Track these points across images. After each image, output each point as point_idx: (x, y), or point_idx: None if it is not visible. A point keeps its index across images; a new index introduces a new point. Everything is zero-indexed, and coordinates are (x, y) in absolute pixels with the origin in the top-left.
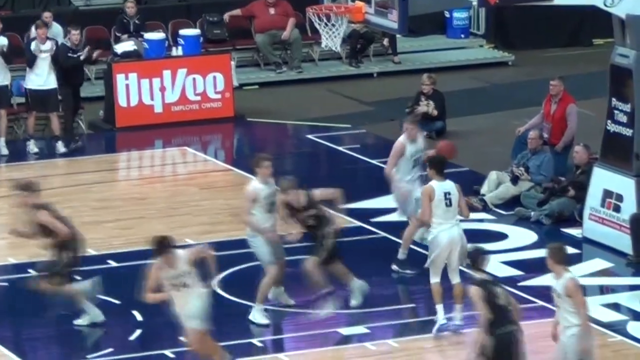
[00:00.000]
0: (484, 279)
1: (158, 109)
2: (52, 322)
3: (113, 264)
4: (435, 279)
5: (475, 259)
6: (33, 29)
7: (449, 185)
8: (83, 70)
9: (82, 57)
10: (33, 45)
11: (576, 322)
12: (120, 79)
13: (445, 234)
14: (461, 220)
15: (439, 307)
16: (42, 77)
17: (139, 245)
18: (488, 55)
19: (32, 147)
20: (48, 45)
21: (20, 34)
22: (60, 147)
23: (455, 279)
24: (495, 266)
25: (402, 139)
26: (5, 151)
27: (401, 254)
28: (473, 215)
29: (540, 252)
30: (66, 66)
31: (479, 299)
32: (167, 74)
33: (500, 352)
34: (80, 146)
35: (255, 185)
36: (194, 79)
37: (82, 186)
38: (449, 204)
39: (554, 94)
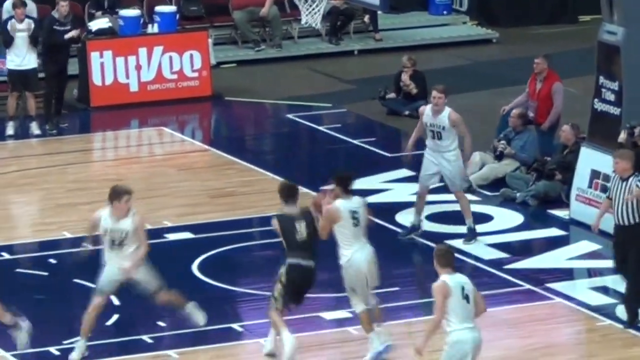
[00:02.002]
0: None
1: (134, 87)
2: (26, 307)
3: (89, 247)
4: (360, 307)
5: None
6: (5, 7)
7: (356, 203)
8: (69, 46)
9: (66, 37)
10: (9, 25)
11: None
12: (94, 57)
13: (359, 254)
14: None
15: (373, 337)
16: (20, 57)
17: None
18: (471, 32)
19: (10, 128)
20: (25, 24)
21: None
22: (35, 128)
23: (372, 301)
24: (481, 249)
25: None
26: None
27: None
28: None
29: (527, 234)
30: (50, 42)
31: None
32: (142, 51)
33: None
34: (66, 126)
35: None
36: (170, 57)
37: (56, 167)
38: (356, 223)
39: (538, 72)
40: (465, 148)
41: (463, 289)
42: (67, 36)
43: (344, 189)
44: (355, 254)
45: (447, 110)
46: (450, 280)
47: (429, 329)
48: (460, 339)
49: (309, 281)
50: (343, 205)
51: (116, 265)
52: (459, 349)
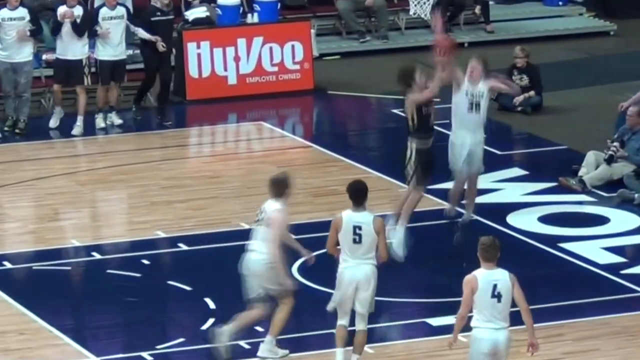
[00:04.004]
0: None
1: (232, 80)
2: (117, 310)
3: (184, 247)
4: (340, 321)
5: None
6: None
7: (363, 218)
8: (171, 37)
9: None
10: (102, 12)
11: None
12: (191, 48)
13: (348, 272)
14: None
15: (338, 352)
16: (113, 47)
17: (212, 228)
18: (588, 24)
19: (100, 121)
20: (118, 11)
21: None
22: (115, 118)
23: (359, 326)
24: (596, 252)
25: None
26: (80, 130)
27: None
28: (571, 198)
29: None
30: (151, 33)
31: None
32: (241, 42)
33: None
34: (170, 125)
35: None
36: (270, 48)
37: (150, 163)
38: (357, 240)
39: None
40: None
41: (495, 287)
42: (147, 38)
43: (355, 201)
44: (346, 271)
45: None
46: (483, 276)
47: (457, 322)
48: (479, 337)
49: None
50: (348, 216)
51: None
52: (476, 348)
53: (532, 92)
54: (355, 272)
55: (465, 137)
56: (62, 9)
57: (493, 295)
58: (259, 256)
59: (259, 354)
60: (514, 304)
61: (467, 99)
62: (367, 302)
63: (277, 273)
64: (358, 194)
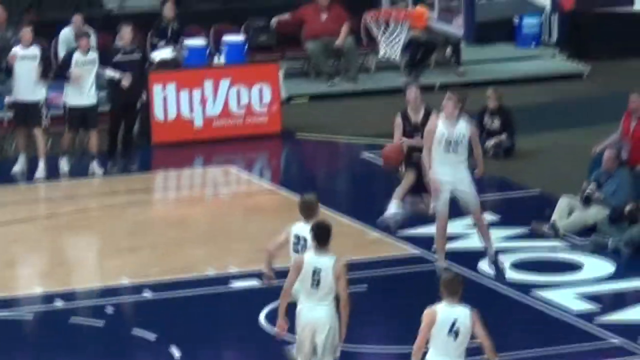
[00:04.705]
0: None
1: (198, 123)
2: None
3: (149, 294)
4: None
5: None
6: (64, 36)
7: (325, 263)
8: (140, 75)
9: (116, 77)
10: (76, 57)
11: None
12: (157, 90)
13: (304, 313)
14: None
15: None
16: (84, 92)
17: (178, 274)
18: (561, 66)
19: (64, 165)
20: (91, 56)
21: (48, 40)
22: (97, 167)
23: None
24: (570, 299)
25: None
26: (42, 174)
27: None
28: (544, 244)
29: (619, 285)
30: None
31: None
32: (208, 84)
33: None
34: (135, 168)
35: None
36: (238, 90)
37: (115, 207)
38: (316, 284)
39: (634, 110)
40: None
41: (454, 323)
42: (113, 77)
43: (318, 242)
44: (302, 312)
45: (462, 119)
46: (443, 311)
47: (413, 354)
48: None
49: None
50: (310, 258)
51: None
52: None
53: (503, 136)
54: (310, 315)
55: (445, 175)
56: (13, 51)
57: (450, 332)
58: None
59: None
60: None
61: (444, 141)
62: (324, 347)
63: None
64: (321, 235)
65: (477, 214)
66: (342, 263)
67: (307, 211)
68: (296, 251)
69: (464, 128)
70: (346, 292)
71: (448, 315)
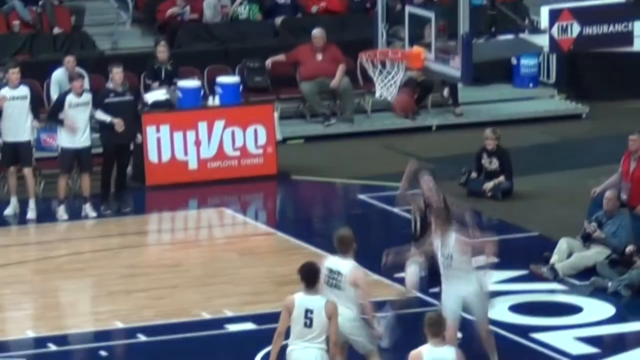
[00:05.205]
0: None
1: (192, 165)
2: None
3: (142, 338)
4: None
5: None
6: (55, 77)
7: (316, 303)
8: (133, 116)
9: (107, 121)
10: (69, 99)
11: None
12: (150, 132)
13: (294, 354)
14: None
15: None
16: (78, 134)
17: (172, 318)
18: (559, 106)
19: (62, 212)
20: (85, 98)
21: (40, 81)
22: (90, 210)
23: None
24: (569, 343)
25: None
26: (34, 214)
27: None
28: (543, 286)
29: (620, 327)
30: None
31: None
32: (202, 126)
33: None
34: (128, 211)
35: None
36: (232, 131)
37: (109, 251)
38: (308, 324)
39: (634, 150)
40: None
41: None
42: (104, 120)
43: (307, 283)
44: (293, 353)
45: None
46: (429, 353)
47: None
48: None
49: None
50: (300, 300)
51: None
52: None
53: (501, 178)
54: (301, 355)
55: (449, 290)
56: (1, 93)
57: None
58: (351, 314)
59: None
60: None
61: (440, 256)
62: None
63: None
64: (310, 276)
65: (482, 328)
66: (333, 303)
67: (343, 246)
68: (330, 285)
69: (451, 248)
70: (336, 335)
71: (434, 357)
